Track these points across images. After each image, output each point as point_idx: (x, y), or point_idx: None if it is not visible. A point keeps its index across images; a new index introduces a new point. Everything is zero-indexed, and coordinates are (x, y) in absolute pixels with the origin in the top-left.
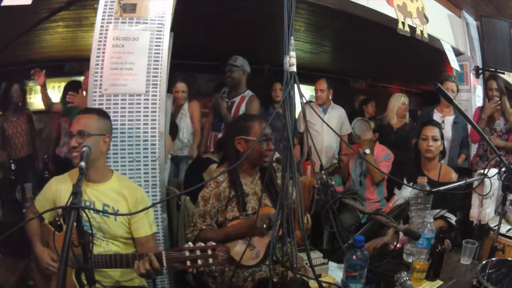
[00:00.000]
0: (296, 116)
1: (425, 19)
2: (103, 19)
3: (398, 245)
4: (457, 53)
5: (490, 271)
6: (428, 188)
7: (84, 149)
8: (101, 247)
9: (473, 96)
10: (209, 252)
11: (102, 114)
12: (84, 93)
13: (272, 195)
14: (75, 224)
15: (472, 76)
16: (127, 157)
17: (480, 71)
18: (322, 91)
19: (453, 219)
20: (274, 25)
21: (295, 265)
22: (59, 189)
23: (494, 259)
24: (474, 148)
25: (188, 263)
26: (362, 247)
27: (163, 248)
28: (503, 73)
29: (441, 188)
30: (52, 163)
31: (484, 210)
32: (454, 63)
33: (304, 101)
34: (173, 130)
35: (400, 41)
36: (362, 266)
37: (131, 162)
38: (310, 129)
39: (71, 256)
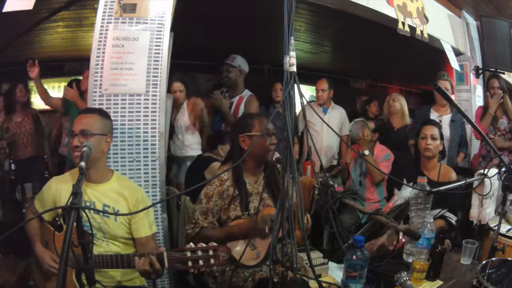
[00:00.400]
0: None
1: (425, 19)
2: (103, 19)
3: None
4: (457, 53)
5: (490, 271)
6: (428, 188)
7: (84, 149)
8: (101, 247)
9: (473, 96)
10: (211, 252)
11: (104, 114)
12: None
13: (275, 195)
14: (75, 224)
15: (472, 76)
16: (127, 157)
17: (480, 71)
18: (323, 91)
19: (453, 219)
20: (274, 25)
21: (295, 265)
22: (59, 189)
23: (494, 259)
24: (474, 148)
25: (190, 263)
26: (362, 247)
27: (163, 248)
28: (503, 73)
29: (441, 188)
30: (53, 162)
31: (484, 210)
32: (454, 63)
33: (304, 101)
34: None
35: (400, 41)
36: (362, 266)
37: (131, 162)
38: (310, 129)
39: (71, 256)
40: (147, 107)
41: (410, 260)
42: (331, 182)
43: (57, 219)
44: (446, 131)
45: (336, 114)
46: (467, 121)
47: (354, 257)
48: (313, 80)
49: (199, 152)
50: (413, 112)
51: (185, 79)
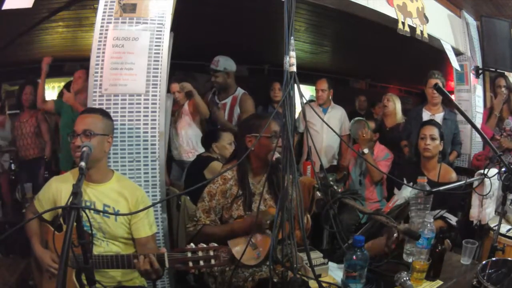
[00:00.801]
0: (296, 116)
1: (425, 19)
2: (103, 19)
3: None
4: (457, 53)
5: (490, 271)
6: (428, 188)
7: (84, 149)
8: (101, 247)
9: (473, 96)
10: (211, 253)
11: (105, 114)
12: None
13: (277, 195)
14: (75, 224)
15: (472, 76)
16: (127, 157)
17: (480, 71)
18: (323, 90)
19: (453, 219)
20: (274, 25)
21: (295, 265)
22: (59, 188)
23: (494, 259)
24: (474, 148)
25: (190, 264)
26: (362, 247)
27: (164, 249)
28: (503, 73)
29: (441, 188)
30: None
31: (484, 210)
32: (454, 63)
33: (304, 101)
34: None
35: (400, 41)
36: (362, 266)
37: (131, 162)
38: (310, 129)
39: (71, 256)
40: (147, 107)
41: (410, 260)
42: (335, 187)
43: (57, 219)
44: None
45: (336, 114)
46: (467, 121)
47: (354, 257)
48: (313, 80)
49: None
50: (409, 111)
51: (183, 79)
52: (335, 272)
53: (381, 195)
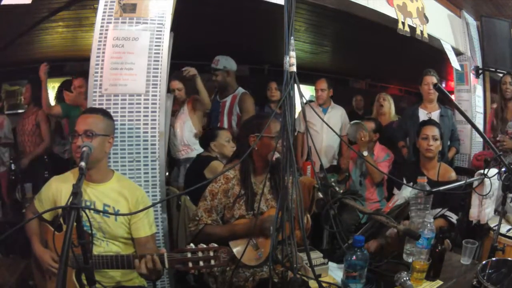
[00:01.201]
0: (296, 116)
1: (425, 19)
2: (103, 19)
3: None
4: (457, 53)
5: (490, 271)
6: (428, 188)
7: (84, 149)
8: (101, 247)
9: (473, 96)
10: (211, 253)
11: (107, 114)
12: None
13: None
14: (75, 224)
15: (472, 76)
16: (127, 157)
17: (480, 71)
18: (322, 90)
19: (453, 218)
20: (274, 25)
21: (295, 265)
22: (59, 188)
23: (494, 259)
24: (474, 148)
25: (190, 264)
26: (362, 247)
27: (164, 249)
28: (503, 73)
29: (441, 188)
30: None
31: (483, 210)
32: (455, 63)
33: (304, 101)
34: None
35: (400, 41)
36: (362, 266)
37: (131, 162)
38: (310, 129)
39: (71, 256)
40: (147, 107)
41: (410, 260)
42: (337, 188)
43: (57, 219)
44: None
45: (336, 114)
46: (467, 121)
47: (354, 257)
48: (313, 80)
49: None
50: (403, 110)
51: (183, 77)
52: (335, 272)
53: (381, 195)
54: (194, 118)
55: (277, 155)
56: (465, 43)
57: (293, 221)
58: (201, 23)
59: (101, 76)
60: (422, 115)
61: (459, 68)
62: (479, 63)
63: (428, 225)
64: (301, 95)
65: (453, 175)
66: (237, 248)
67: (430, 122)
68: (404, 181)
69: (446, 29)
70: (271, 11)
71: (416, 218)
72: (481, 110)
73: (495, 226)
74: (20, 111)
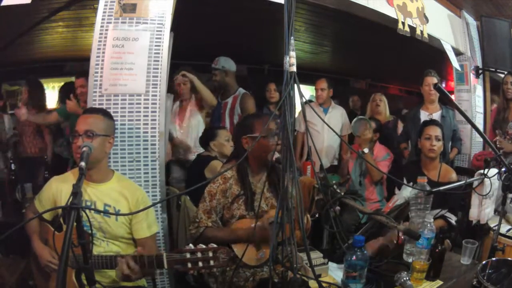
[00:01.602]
0: (296, 116)
1: (425, 19)
2: (103, 19)
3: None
4: (457, 53)
5: (490, 271)
6: (428, 188)
7: (84, 149)
8: (101, 247)
9: (473, 96)
10: (210, 254)
11: (107, 114)
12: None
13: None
14: (75, 224)
15: (472, 76)
16: (127, 157)
17: (480, 71)
18: (322, 90)
19: (453, 219)
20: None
21: (295, 265)
22: (59, 188)
23: (494, 259)
24: (474, 148)
25: (189, 265)
26: (362, 247)
27: (163, 248)
28: (503, 73)
29: (441, 188)
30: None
31: (483, 210)
32: (455, 62)
33: (304, 101)
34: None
35: (400, 41)
36: (362, 266)
37: (131, 162)
38: (310, 129)
39: (71, 256)
40: (147, 107)
41: (410, 260)
42: (338, 190)
43: (57, 219)
44: None
45: (337, 114)
46: (467, 121)
47: (354, 257)
48: (313, 80)
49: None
50: (398, 111)
51: (190, 72)
52: (335, 272)
53: (381, 195)
54: (202, 117)
55: (277, 155)
56: (465, 43)
57: (293, 221)
58: (201, 23)
59: (101, 76)
60: (424, 117)
61: (459, 68)
62: (479, 63)
63: (428, 225)
64: (301, 95)
65: (453, 176)
66: (237, 248)
67: (433, 122)
68: (404, 181)
69: (446, 29)
70: (271, 11)
71: (416, 218)
72: (481, 110)
73: (495, 226)
74: None
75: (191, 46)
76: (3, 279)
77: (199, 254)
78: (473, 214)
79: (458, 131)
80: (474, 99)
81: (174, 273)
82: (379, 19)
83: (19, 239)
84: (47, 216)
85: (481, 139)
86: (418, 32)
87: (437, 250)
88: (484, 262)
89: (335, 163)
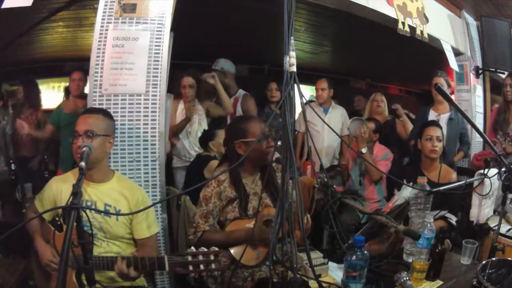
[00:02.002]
0: (296, 117)
1: (425, 19)
2: (103, 19)
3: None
4: (457, 53)
5: (490, 271)
6: (428, 188)
7: (84, 149)
8: (102, 247)
9: (473, 96)
10: (212, 257)
11: (107, 114)
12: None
13: (273, 194)
14: (75, 224)
15: (472, 76)
16: (127, 157)
17: (480, 71)
18: (322, 90)
19: (453, 219)
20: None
21: (295, 265)
22: (60, 188)
23: (494, 259)
24: (474, 148)
25: (191, 267)
26: (362, 247)
27: (163, 248)
28: (503, 73)
29: (441, 188)
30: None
31: (482, 210)
32: (453, 63)
33: (304, 101)
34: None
35: (400, 41)
36: (362, 266)
37: (131, 162)
38: (311, 129)
39: (71, 257)
40: (147, 107)
41: (410, 260)
42: (330, 183)
43: (57, 219)
44: (443, 129)
45: (337, 114)
46: (467, 121)
47: (354, 257)
48: (313, 80)
49: None
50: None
51: (197, 75)
52: (335, 272)
53: (381, 195)
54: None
55: (277, 154)
56: (465, 43)
57: (293, 221)
58: (201, 23)
59: (101, 76)
60: (432, 116)
61: (457, 69)
62: (479, 63)
63: (428, 225)
64: (301, 95)
65: (453, 176)
66: (234, 249)
67: (433, 123)
68: (404, 181)
69: (446, 29)
70: (271, 11)
71: (416, 218)
72: (481, 110)
73: (495, 226)
74: None
75: (191, 46)
76: (3, 279)
77: (200, 257)
78: (474, 214)
79: (466, 134)
80: (474, 99)
81: (174, 274)
82: (379, 19)
83: (19, 239)
84: (47, 216)
85: (481, 139)
86: (418, 32)
87: (437, 250)
88: (484, 262)
89: (335, 163)
